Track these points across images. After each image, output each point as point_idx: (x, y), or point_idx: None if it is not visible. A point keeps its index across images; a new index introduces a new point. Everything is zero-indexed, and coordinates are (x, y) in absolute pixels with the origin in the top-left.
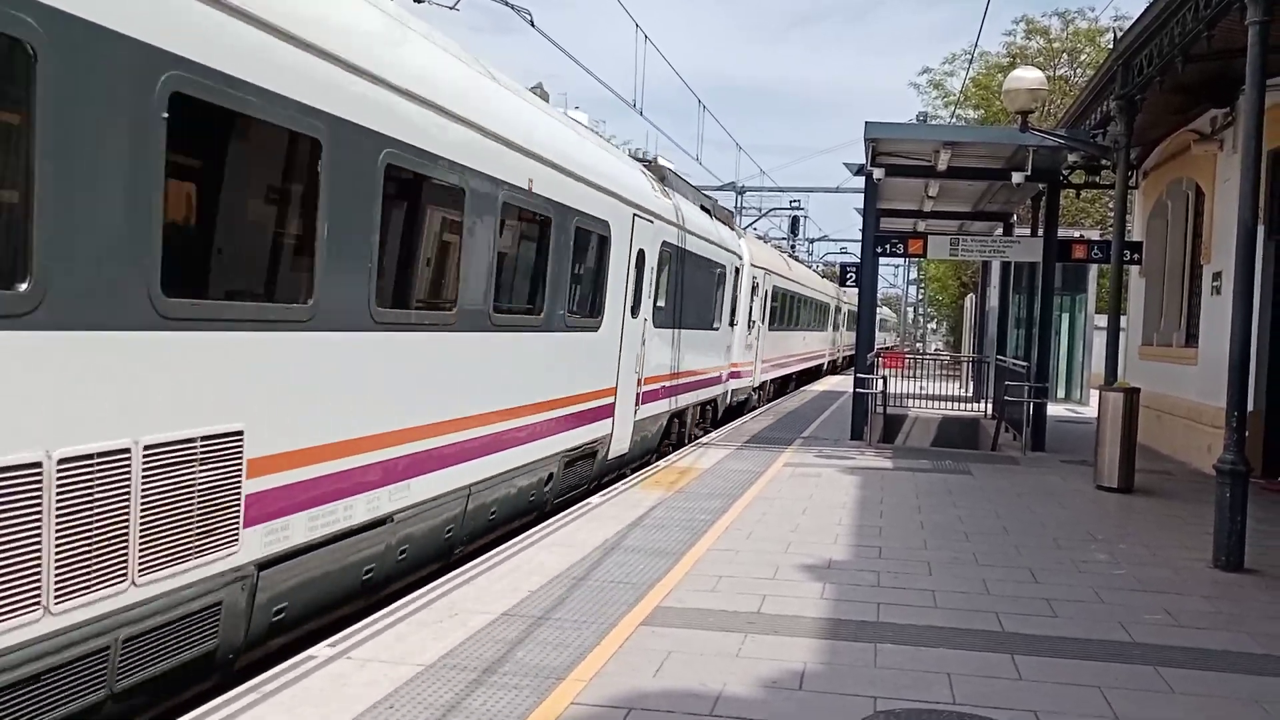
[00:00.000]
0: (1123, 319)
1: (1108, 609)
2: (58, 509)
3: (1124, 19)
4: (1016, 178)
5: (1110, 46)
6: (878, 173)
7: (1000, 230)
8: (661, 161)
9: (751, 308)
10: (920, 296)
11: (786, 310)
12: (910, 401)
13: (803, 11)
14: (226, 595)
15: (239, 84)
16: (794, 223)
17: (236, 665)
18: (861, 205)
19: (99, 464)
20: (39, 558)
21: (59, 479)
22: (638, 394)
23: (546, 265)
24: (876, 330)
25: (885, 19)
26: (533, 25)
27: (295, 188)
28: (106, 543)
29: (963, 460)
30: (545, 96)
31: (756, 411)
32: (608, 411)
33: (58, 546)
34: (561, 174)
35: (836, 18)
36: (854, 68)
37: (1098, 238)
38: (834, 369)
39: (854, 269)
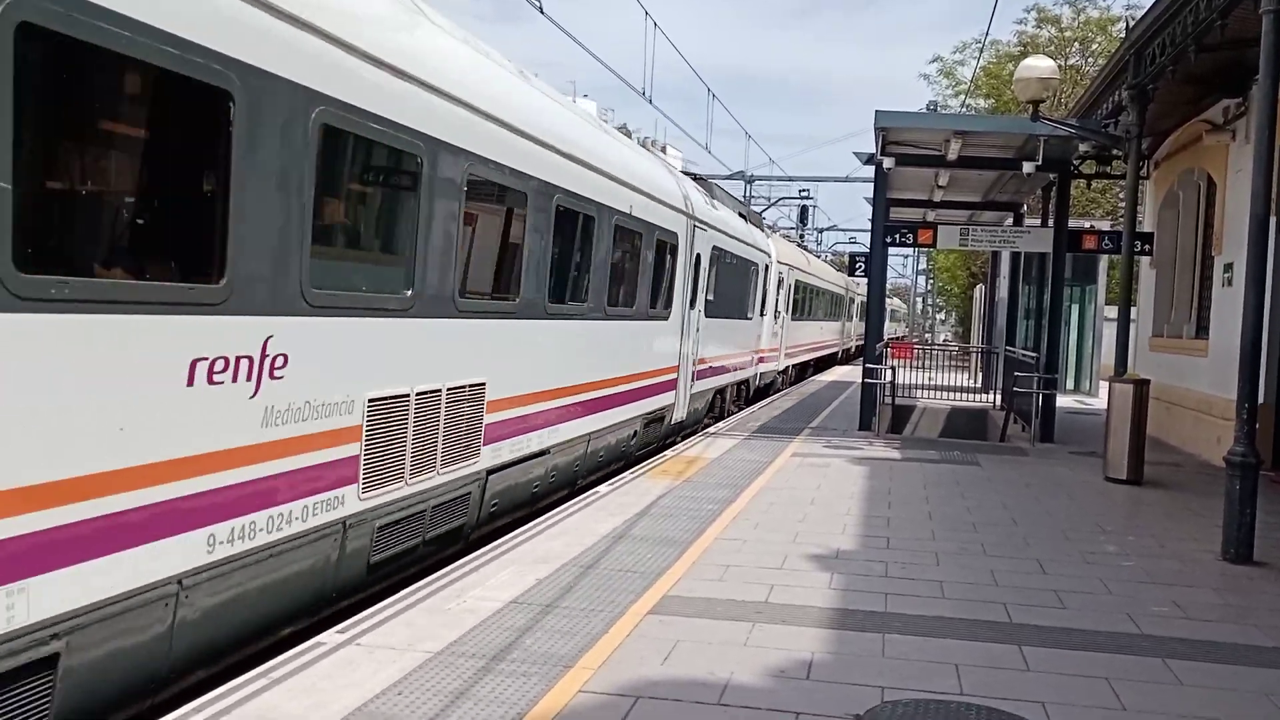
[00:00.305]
0: (1133, 310)
1: (1116, 600)
2: (416, 420)
3: (1136, 8)
4: (1027, 167)
5: (1122, 36)
6: (888, 162)
7: (1010, 220)
8: (670, 151)
9: (777, 300)
10: (929, 287)
11: (806, 302)
12: (919, 392)
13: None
14: (473, 489)
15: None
16: (803, 212)
17: (471, 538)
18: (871, 195)
19: (422, 399)
20: (403, 452)
21: (418, 404)
22: (692, 372)
23: (638, 268)
24: (886, 320)
25: (895, 6)
26: (541, 12)
27: (534, 234)
28: (427, 446)
29: (971, 451)
30: (628, 133)
31: (782, 392)
32: (672, 385)
33: (414, 446)
34: (648, 199)
35: (845, 5)
36: (864, 56)
37: (1108, 228)
38: (847, 357)
39: (863, 259)
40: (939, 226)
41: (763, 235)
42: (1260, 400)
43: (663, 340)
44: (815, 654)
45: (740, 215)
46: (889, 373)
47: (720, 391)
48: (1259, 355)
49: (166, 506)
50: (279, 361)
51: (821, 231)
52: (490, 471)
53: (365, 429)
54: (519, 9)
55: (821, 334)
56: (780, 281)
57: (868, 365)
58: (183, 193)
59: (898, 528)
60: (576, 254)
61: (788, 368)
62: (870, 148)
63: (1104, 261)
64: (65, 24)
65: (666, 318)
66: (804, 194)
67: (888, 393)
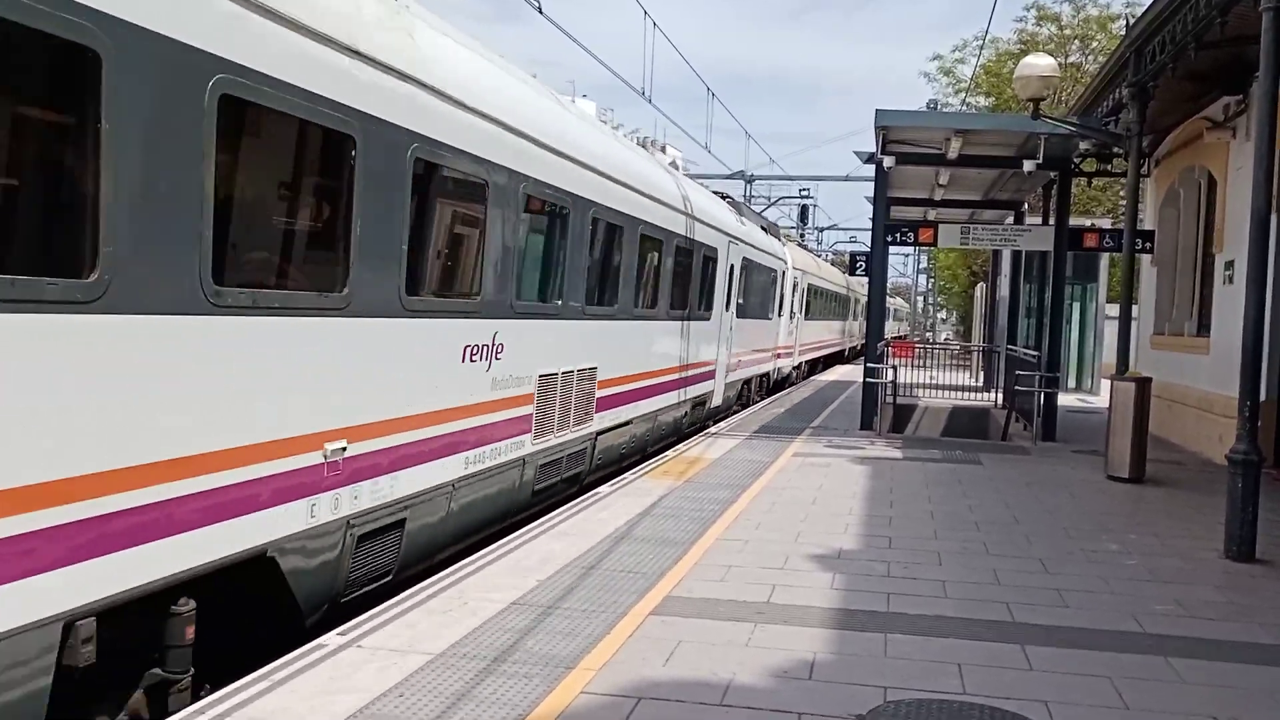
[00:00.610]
0: (1134, 308)
1: (1118, 599)
2: (561, 391)
3: (1136, 5)
4: (1028, 166)
5: (1122, 33)
6: (888, 161)
7: (1011, 219)
8: (670, 150)
9: (792, 302)
10: (930, 285)
11: (816, 304)
12: (920, 391)
13: None
14: (588, 445)
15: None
16: (803, 211)
17: (584, 482)
18: (871, 194)
19: (564, 376)
20: (554, 414)
21: (562, 380)
22: (727, 365)
23: (689, 279)
24: (889, 319)
25: (894, 4)
26: (540, 11)
27: (628, 256)
28: (565, 411)
29: (973, 450)
30: (676, 166)
31: (796, 385)
32: (711, 375)
33: (559, 410)
34: (698, 222)
35: (844, 3)
36: (864, 54)
37: (1109, 226)
38: (853, 354)
39: (864, 258)
40: (940, 225)
41: (779, 244)
42: (1262, 397)
43: (706, 338)
44: (817, 654)
45: (762, 228)
46: (890, 372)
47: (747, 382)
48: (1260, 353)
49: (455, 436)
50: (500, 348)
51: (822, 231)
52: (598, 434)
53: (536, 396)
54: (518, 9)
55: (829, 333)
56: (795, 285)
57: (869, 364)
58: (463, 248)
59: (900, 527)
60: (651, 270)
61: (801, 363)
62: (871, 146)
63: (1105, 259)
64: (254, 94)
65: (709, 319)
66: (804, 193)
67: (889, 392)
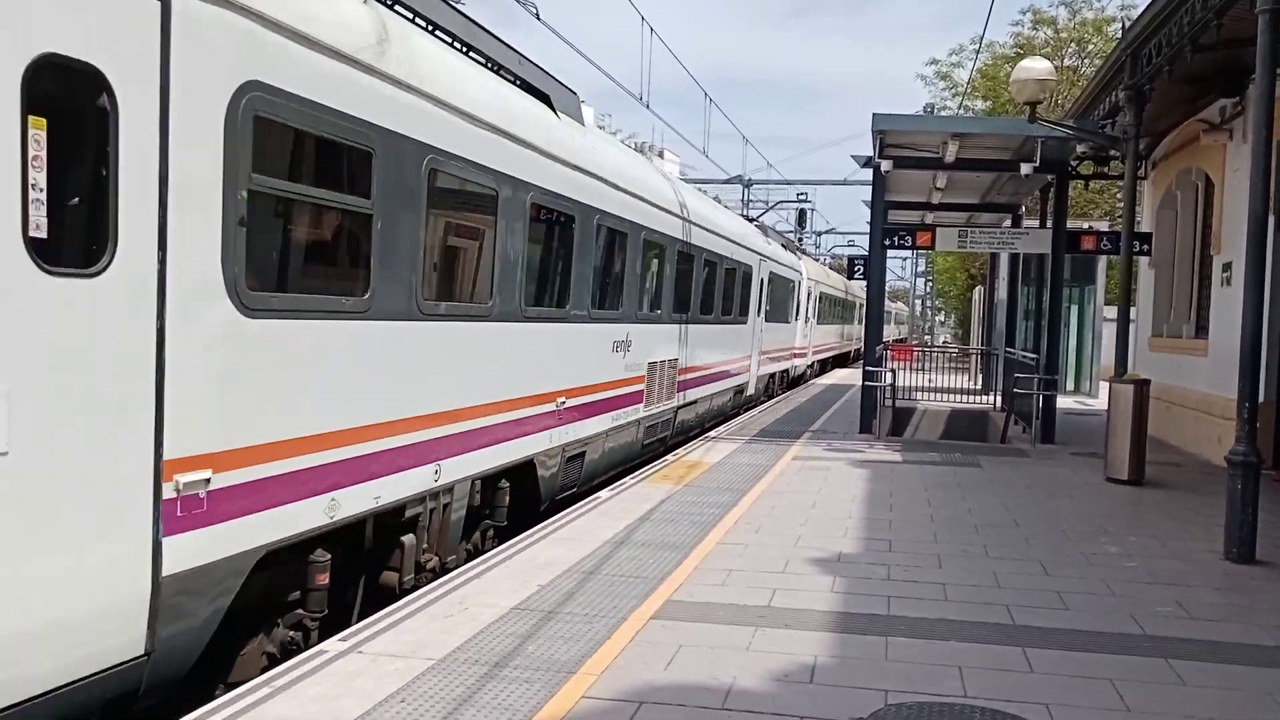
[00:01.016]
0: (1132, 310)
1: (1119, 601)
2: (659, 375)
3: (1131, 8)
4: (1025, 169)
5: (1118, 36)
6: (885, 165)
7: (1009, 222)
8: (668, 156)
9: (807, 309)
10: (928, 289)
11: (826, 309)
12: (919, 394)
13: (806, 1)
14: (671, 416)
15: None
16: (800, 216)
17: (669, 443)
18: (869, 198)
19: (661, 364)
20: (656, 389)
21: (660, 367)
22: (758, 361)
23: (733, 290)
24: (889, 323)
25: (891, 6)
26: (538, 18)
27: (697, 274)
28: (660, 390)
29: (972, 453)
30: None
31: (809, 382)
32: (747, 369)
33: (659, 387)
34: (740, 246)
35: (841, 6)
36: (861, 57)
37: (1107, 229)
38: (858, 355)
39: (862, 261)
40: (937, 228)
41: (795, 258)
42: (1261, 399)
43: (744, 339)
44: (818, 658)
45: (782, 245)
46: (889, 375)
47: (773, 376)
48: (1259, 354)
49: (609, 401)
50: (629, 343)
51: (819, 235)
52: (679, 408)
53: (646, 378)
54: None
55: (837, 335)
56: (808, 294)
57: (868, 368)
58: (614, 280)
59: (899, 530)
60: (708, 283)
61: (813, 362)
62: (868, 150)
63: (1102, 262)
64: (283, 113)
65: (745, 322)
66: (801, 197)
67: (888, 395)
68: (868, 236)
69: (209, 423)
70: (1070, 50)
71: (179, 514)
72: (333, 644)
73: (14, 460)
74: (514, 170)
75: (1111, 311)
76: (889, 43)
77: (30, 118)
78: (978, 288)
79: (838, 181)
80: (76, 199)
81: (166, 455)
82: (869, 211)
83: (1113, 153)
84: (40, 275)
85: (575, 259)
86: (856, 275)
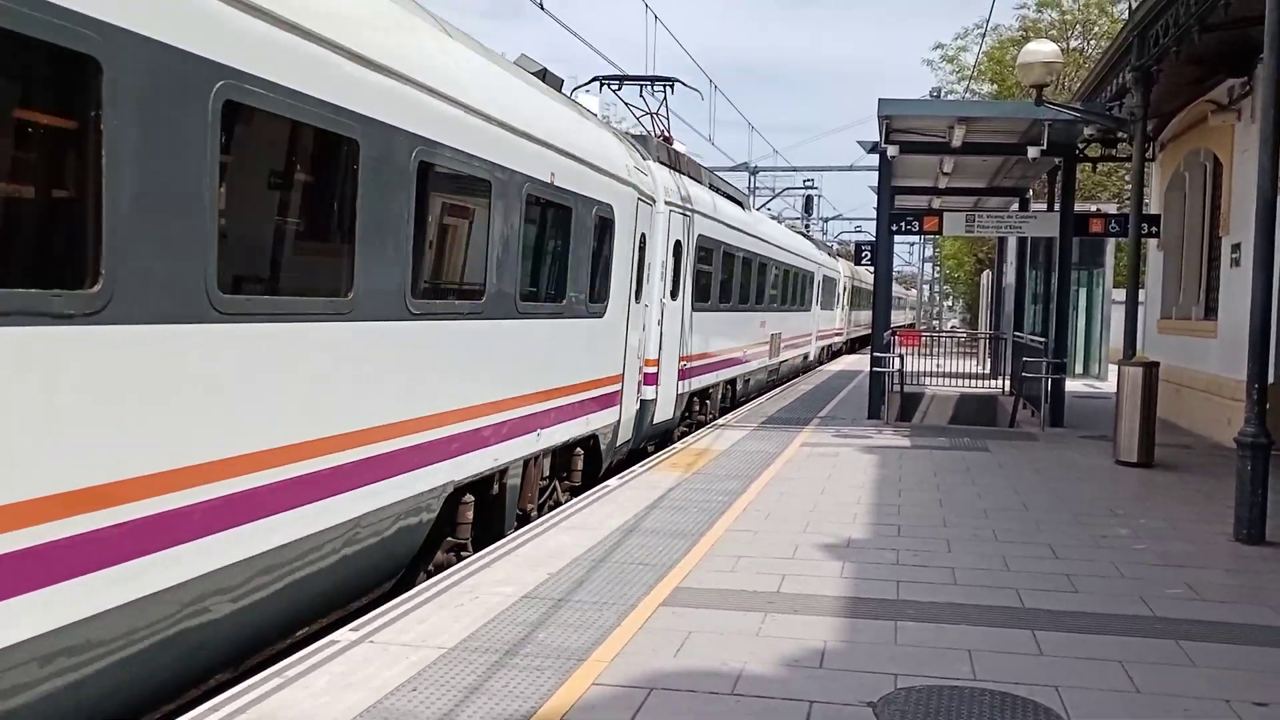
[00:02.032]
0: (1141, 293)
1: (1128, 583)
2: (774, 341)
3: None
4: (1032, 152)
5: (1124, 18)
6: (892, 150)
7: (1016, 205)
8: (677, 146)
9: (844, 299)
10: (936, 274)
11: (860, 300)
12: (927, 379)
13: None
14: (777, 367)
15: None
16: (807, 202)
17: (770, 382)
18: (876, 183)
19: (774, 335)
20: (771, 351)
21: (773, 336)
22: (815, 335)
23: (800, 287)
24: (904, 309)
25: None
26: (542, 8)
27: (776, 276)
28: (773, 350)
29: (981, 437)
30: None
31: (819, 369)
32: (809, 341)
33: (772, 350)
34: (805, 259)
35: None
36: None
37: (1115, 211)
38: None
39: (869, 247)
40: (945, 213)
41: (834, 260)
42: (1270, 380)
43: (808, 320)
44: (828, 643)
45: (828, 253)
46: (897, 361)
47: (825, 348)
48: (1268, 335)
49: (756, 358)
50: (765, 321)
51: (827, 221)
52: (780, 363)
53: (769, 343)
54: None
55: (864, 319)
56: (844, 288)
57: (875, 354)
58: (752, 283)
59: (908, 515)
60: (788, 285)
61: (848, 339)
62: (874, 136)
63: (1111, 244)
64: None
65: (808, 310)
66: (808, 184)
67: (896, 381)
68: (875, 222)
69: None
70: (1076, 32)
71: None
72: (343, 633)
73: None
74: (768, 249)
75: (1120, 294)
76: (895, 27)
77: None
78: (985, 272)
79: (844, 167)
80: None
81: None
82: (876, 197)
83: (1120, 135)
84: None
85: (765, 283)
86: (864, 262)
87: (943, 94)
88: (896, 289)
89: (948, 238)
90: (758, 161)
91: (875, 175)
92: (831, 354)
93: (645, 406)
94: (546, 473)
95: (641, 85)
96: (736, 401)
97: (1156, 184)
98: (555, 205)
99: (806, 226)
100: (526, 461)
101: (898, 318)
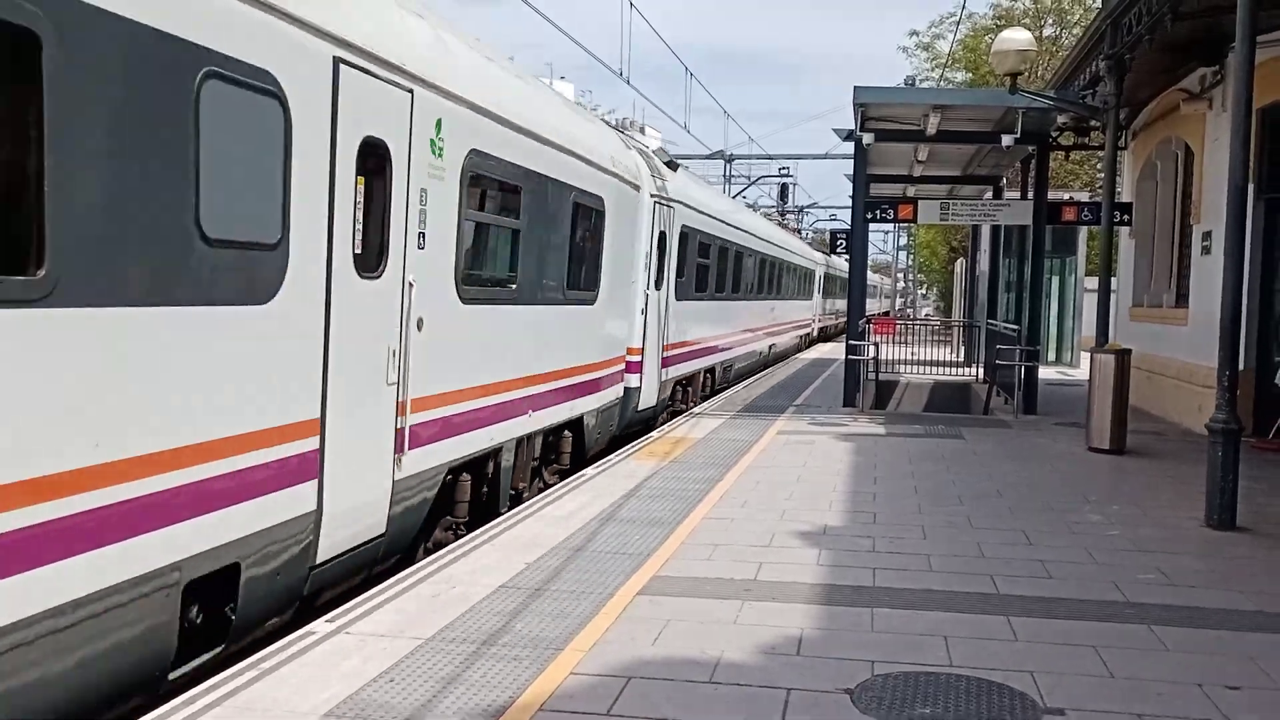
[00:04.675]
0: (1113, 281)
1: (1102, 569)
2: (773, 325)
3: None
4: (1006, 140)
5: (1097, 7)
6: (867, 138)
7: (990, 194)
8: (649, 131)
9: (819, 288)
10: (909, 262)
11: (829, 286)
12: (902, 367)
13: None
14: (771, 345)
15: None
16: (783, 190)
17: (767, 366)
18: (851, 171)
19: (773, 323)
20: (770, 334)
21: (770, 324)
22: (815, 318)
23: (801, 280)
24: (872, 296)
25: None
26: None
27: (800, 277)
28: (775, 333)
29: (955, 425)
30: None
31: (793, 358)
32: (810, 324)
33: (768, 334)
34: (809, 259)
35: None
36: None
37: (1087, 199)
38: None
39: (844, 235)
40: (919, 201)
41: (827, 257)
42: (1240, 366)
43: (809, 308)
44: (805, 630)
45: (822, 251)
46: (872, 349)
47: (823, 329)
48: (1239, 323)
49: (757, 343)
50: (774, 308)
51: (802, 209)
52: (773, 344)
53: (771, 326)
54: None
55: (838, 308)
56: (820, 276)
57: (851, 342)
58: (775, 283)
59: (884, 502)
60: (797, 279)
61: (820, 329)
62: (850, 124)
63: (1083, 233)
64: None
65: (810, 297)
66: (784, 172)
67: (871, 369)
68: (850, 210)
69: None
70: (1050, 20)
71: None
72: (320, 625)
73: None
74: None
75: (1092, 282)
76: (871, 15)
77: None
78: (959, 260)
79: (819, 155)
80: None
81: None
82: (851, 185)
83: (1093, 123)
84: None
85: (787, 280)
86: (839, 250)
87: (918, 81)
88: (871, 277)
89: (922, 226)
90: (733, 149)
91: (850, 163)
92: (809, 342)
93: (629, 394)
94: (537, 454)
95: None
96: (716, 388)
97: (1129, 172)
98: (572, 201)
99: (782, 214)
100: (519, 441)
101: (872, 306)
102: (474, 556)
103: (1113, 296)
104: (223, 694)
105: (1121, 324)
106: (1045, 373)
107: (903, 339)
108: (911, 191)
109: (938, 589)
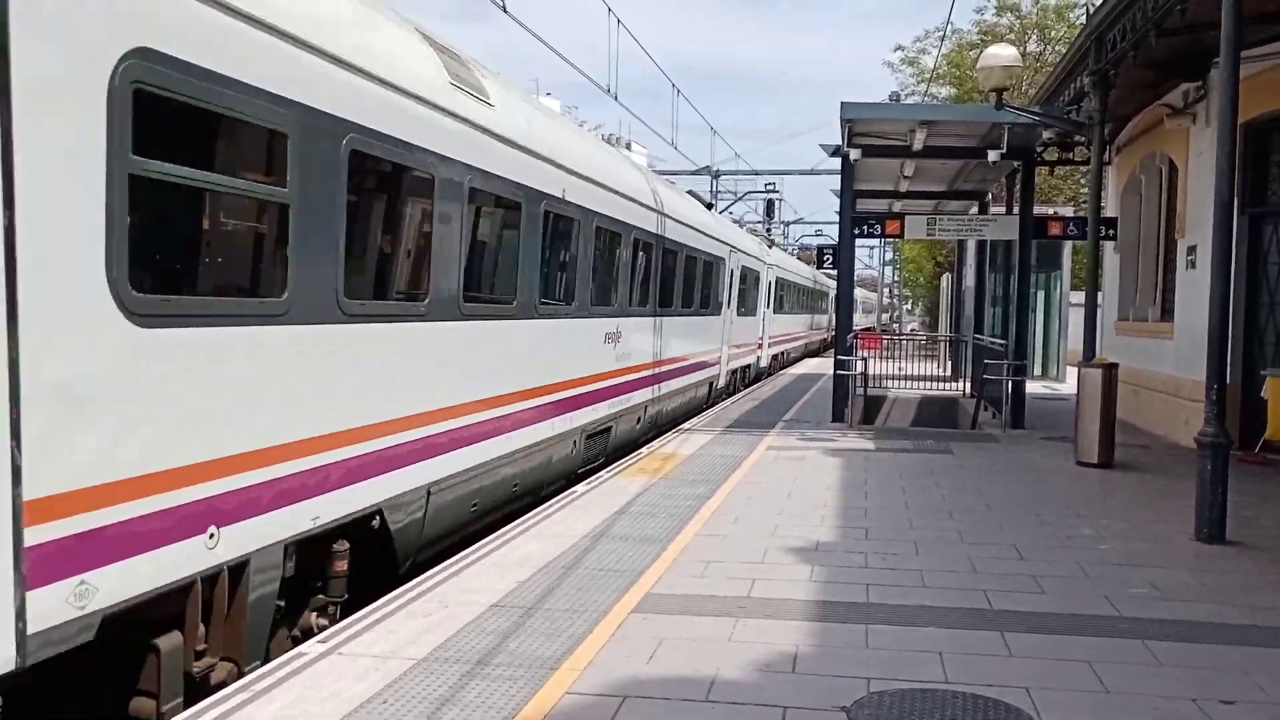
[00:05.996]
0: (1098, 295)
1: (1093, 584)
2: (775, 336)
3: None
4: (992, 156)
5: (1080, 23)
6: (854, 154)
7: (976, 209)
8: (635, 148)
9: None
10: (895, 277)
11: (785, 297)
12: (890, 382)
13: None
14: (775, 356)
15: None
16: (769, 206)
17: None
18: (838, 187)
19: (780, 334)
20: (782, 340)
21: (772, 337)
22: (827, 328)
23: (822, 302)
24: (859, 311)
25: None
26: (505, 10)
27: (817, 299)
28: (789, 340)
29: (943, 439)
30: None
31: (781, 373)
32: (825, 331)
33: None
34: (823, 286)
35: None
36: (828, 44)
37: (1072, 214)
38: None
39: (831, 251)
40: (906, 217)
41: (826, 278)
42: (1227, 380)
43: (824, 323)
44: (800, 647)
45: (824, 273)
46: (860, 364)
47: (828, 336)
48: (1227, 337)
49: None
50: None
51: (788, 225)
52: (778, 352)
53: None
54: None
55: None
56: (770, 282)
57: (839, 357)
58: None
59: (875, 518)
60: (820, 300)
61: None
62: (836, 139)
63: (1068, 247)
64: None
65: (826, 313)
66: (770, 187)
67: (859, 384)
68: (837, 226)
69: None
70: (1033, 36)
71: None
72: (312, 645)
73: None
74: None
75: (1077, 297)
76: (855, 32)
77: None
78: (945, 275)
79: (806, 171)
80: None
81: None
82: (837, 201)
83: (1078, 138)
84: None
85: (809, 300)
86: (826, 265)
87: (903, 97)
88: (857, 291)
89: (908, 241)
90: (720, 165)
91: (837, 179)
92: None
93: (759, 360)
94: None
95: None
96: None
97: (1113, 187)
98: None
99: (768, 230)
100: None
101: (857, 320)
102: (466, 574)
103: (1098, 311)
104: (214, 716)
105: (1107, 338)
106: (1031, 387)
107: (890, 354)
108: (898, 207)
109: (931, 604)
